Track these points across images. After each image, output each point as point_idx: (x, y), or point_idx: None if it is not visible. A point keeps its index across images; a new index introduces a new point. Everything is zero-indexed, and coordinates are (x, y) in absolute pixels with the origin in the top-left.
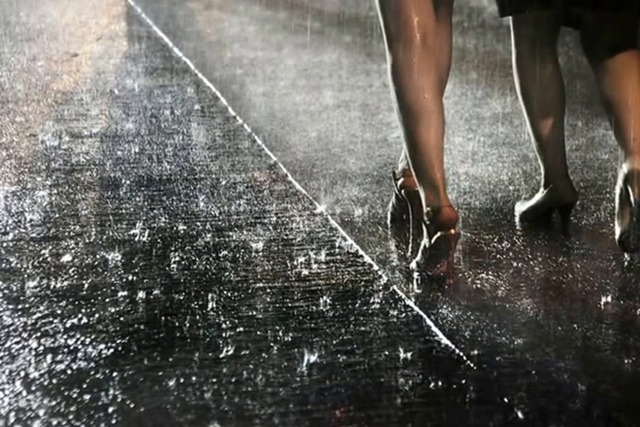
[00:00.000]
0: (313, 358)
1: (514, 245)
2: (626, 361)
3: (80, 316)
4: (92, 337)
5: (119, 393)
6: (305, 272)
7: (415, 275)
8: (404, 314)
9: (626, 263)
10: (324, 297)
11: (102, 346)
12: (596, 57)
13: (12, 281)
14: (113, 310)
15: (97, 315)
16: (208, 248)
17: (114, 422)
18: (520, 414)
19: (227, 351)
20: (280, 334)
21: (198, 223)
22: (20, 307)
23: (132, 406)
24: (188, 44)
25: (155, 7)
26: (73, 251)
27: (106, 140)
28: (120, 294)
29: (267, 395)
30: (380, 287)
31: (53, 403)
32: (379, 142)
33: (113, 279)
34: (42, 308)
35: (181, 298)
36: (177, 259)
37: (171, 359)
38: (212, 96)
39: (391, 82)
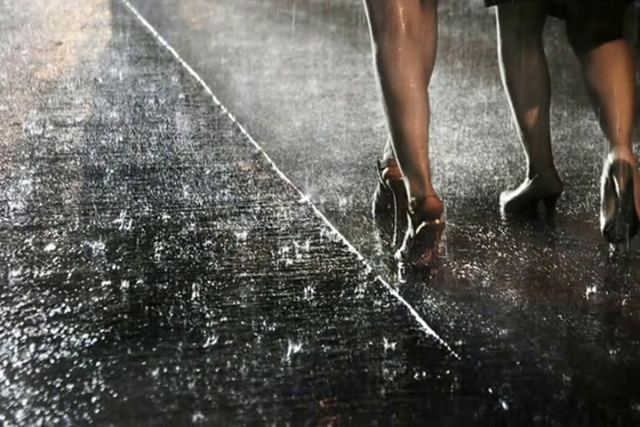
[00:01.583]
0: (297, 349)
1: (499, 235)
2: (611, 352)
3: (63, 305)
4: (76, 326)
5: (102, 383)
6: (289, 262)
7: (400, 265)
8: (388, 304)
9: (611, 254)
10: (308, 287)
11: (85, 335)
12: (581, 46)
13: None
14: (96, 300)
15: (80, 304)
16: (192, 238)
17: (97, 411)
18: (504, 405)
19: (210, 341)
20: (264, 324)
21: (182, 213)
22: (2, 296)
23: (115, 395)
24: (172, 33)
25: None
26: (56, 240)
27: (90, 128)
28: (104, 283)
29: (250, 385)
30: (365, 277)
31: (36, 392)
32: (363, 132)
33: (96, 269)
34: (25, 297)
35: (165, 288)
36: (161, 248)
37: (154, 349)
38: (196, 85)
39: (376, 71)
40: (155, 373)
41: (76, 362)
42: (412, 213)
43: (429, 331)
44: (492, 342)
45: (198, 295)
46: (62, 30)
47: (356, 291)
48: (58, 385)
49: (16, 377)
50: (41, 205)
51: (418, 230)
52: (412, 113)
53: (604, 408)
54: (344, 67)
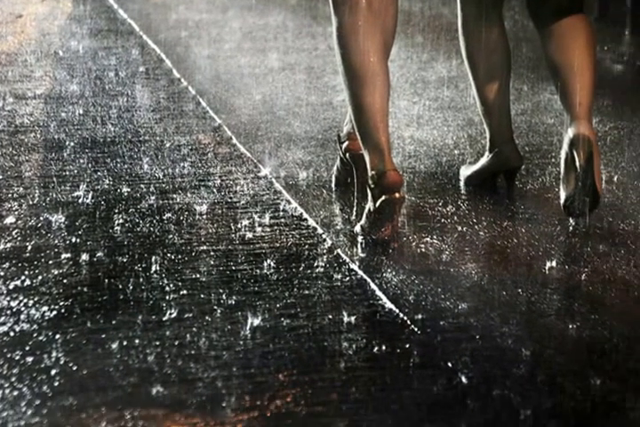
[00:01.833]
0: (256, 322)
1: (458, 209)
2: (570, 326)
3: (23, 278)
4: (35, 299)
5: (62, 355)
6: (249, 235)
7: (359, 238)
8: (348, 278)
9: (571, 228)
10: (268, 260)
11: (45, 308)
12: (542, 21)
13: None
14: (56, 273)
15: (40, 277)
16: (152, 211)
17: (56, 384)
18: (464, 379)
19: (170, 314)
20: (224, 297)
21: (142, 185)
22: None
23: (74, 368)
24: (132, 6)
25: None
26: (16, 213)
27: (50, 102)
28: (63, 256)
29: (210, 358)
30: (325, 251)
31: None
32: (324, 105)
33: (56, 241)
34: None
35: (125, 260)
36: (120, 221)
37: (114, 322)
38: (156, 58)
39: (336, 45)
40: (114, 346)
41: (35, 335)
42: (372, 186)
43: (389, 305)
44: (452, 316)
45: (158, 268)
46: (23, 2)
47: (315, 264)
48: (17, 358)
49: None
50: (1, 177)
51: (378, 204)
52: (373, 87)
53: (564, 382)
54: (304, 40)
